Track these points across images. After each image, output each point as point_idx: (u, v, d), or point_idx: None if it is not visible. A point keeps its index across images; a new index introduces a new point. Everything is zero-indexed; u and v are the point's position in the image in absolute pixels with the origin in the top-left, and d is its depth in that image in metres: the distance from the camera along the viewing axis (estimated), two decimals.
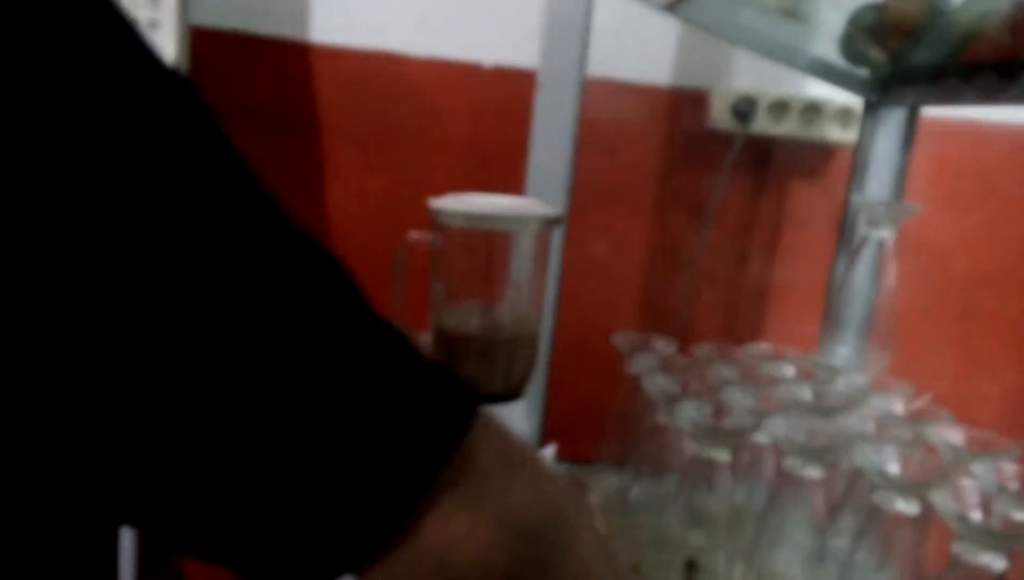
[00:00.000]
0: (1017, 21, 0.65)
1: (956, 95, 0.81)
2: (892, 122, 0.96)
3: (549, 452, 0.77)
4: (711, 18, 0.92)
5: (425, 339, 0.71)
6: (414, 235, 0.70)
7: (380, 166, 1.12)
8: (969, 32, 0.72)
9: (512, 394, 0.69)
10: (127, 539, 1.08)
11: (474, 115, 1.11)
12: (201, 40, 1.04)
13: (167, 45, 0.96)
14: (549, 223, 0.68)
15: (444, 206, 0.66)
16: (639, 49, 1.12)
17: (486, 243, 0.69)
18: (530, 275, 0.70)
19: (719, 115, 1.12)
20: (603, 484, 0.87)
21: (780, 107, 1.11)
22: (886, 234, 0.84)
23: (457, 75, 1.10)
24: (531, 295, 0.71)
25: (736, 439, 0.62)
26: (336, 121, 1.11)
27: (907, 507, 0.54)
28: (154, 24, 0.95)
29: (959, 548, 0.49)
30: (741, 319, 1.21)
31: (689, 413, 0.63)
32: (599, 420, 0.87)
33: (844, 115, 1.11)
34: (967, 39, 0.73)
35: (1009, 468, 0.55)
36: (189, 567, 1.21)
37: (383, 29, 1.09)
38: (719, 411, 0.64)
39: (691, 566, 0.64)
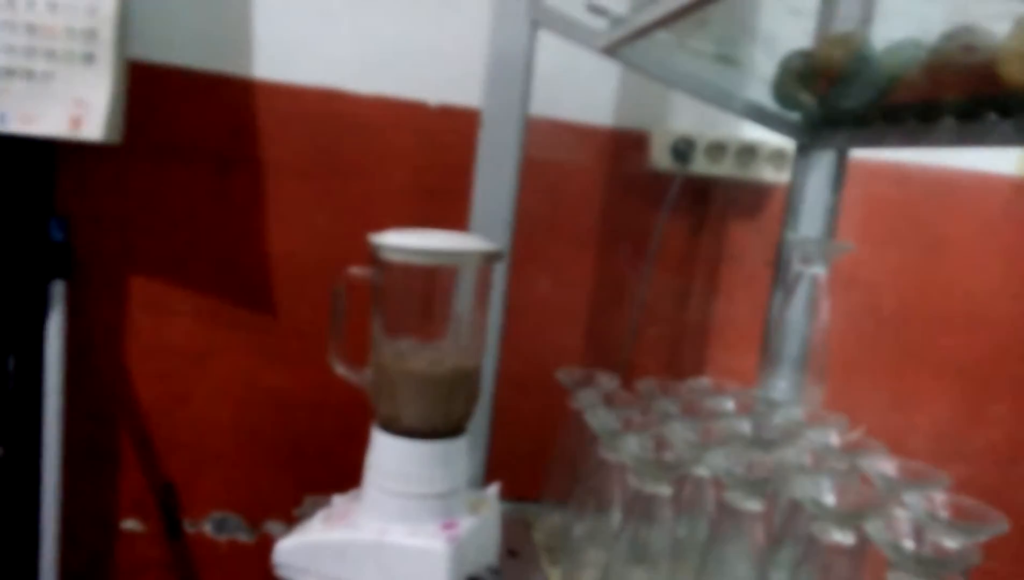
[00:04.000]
0: (933, 68, 0.69)
1: (881, 138, 0.85)
2: (822, 163, 1.00)
3: (492, 491, 0.76)
4: (649, 62, 0.94)
5: (366, 374, 0.70)
6: (354, 271, 0.69)
7: (325, 203, 1.11)
8: (891, 78, 0.76)
9: (454, 430, 0.68)
10: (48, 564, 1.02)
11: (420, 152, 1.12)
12: (141, 75, 1.03)
13: (102, 80, 0.94)
14: (490, 258, 0.68)
15: (384, 241, 0.66)
16: (581, 91, 1.14)
17: (427, 278, 0.69)
18: (472, 310, 0.70)
19: (658, 155, 1.14)
20: (547, 522, 0.86)
21: (717, 148, 1.14)
22: (819, 271, 0.86)
23: (403, 113, 1.11)
24: (473, 330, 0.71)
25: (677, 472, 0.63)
26: (280, 158, 1.10)
27: (843, 537, 0.55)
28: (89, 58, 0.94)
29: (893, 576, 0.49)
30: (683, 354, 1.22)
31: (631, 448, 0.63)
32: (543, 457, 0.87)
33: (778, 157, 1.15)
34: (889, 85, 0.76)
35: (939, 497, 0.56)
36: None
37: (328, 66, 1.09)
38: (661, 445, 0.64)
39: None
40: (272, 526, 1.16)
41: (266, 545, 1.15)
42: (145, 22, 1.04)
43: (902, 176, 1.22)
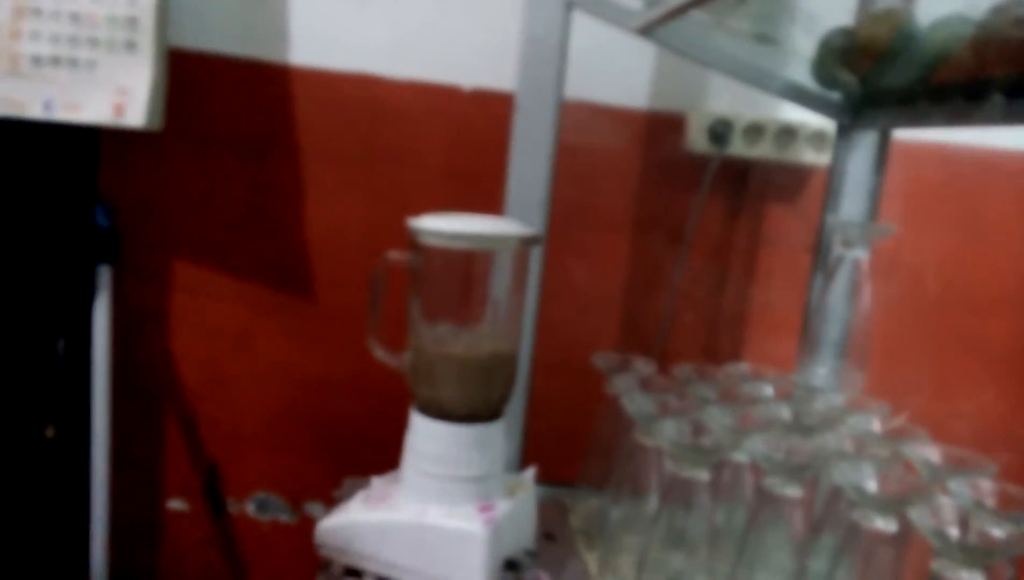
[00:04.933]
0: (981, 44, 0.67)
1: (925, 118, 0.83)
2: (864, 145, 0.98)
3: (529, 474, 0.76)
4: (685, 42, 0.93)
5: (404, 358, 0.71)
6: (393, 255, 0.70)
7: (361, 188, 1.11)
8: (936, 55, 0.73)
9: (491, 414, 0.69)
10: (99, 541, 1.05)
11: (454, 137, 1.12)
12: (180, 62, 1.04)
13: (143, 67, 0.95)
14: (527, 242, 0.68)
15: (422, 225, 0.66)
16: (616, 73, 1.13)
17: (464, 262, 0.69)
18: (509, 295, 0.70)
19: (695, 138, 1.13)
20: (584, 507, 0.86)
21: (755, 130, 1.12)
22: (860, 254, 0.85)
23: (437, 97, 1.11)
24: (510, 315, 0.71)
25: (715, 458, 0.62)
26: (317, 143, 1.11)
27: (886, 524, 0.54)
28: (131, 45, 0.95)
29: (938, 565, 0.49)
30: (720, 339, 1.21)
31: (668, 432, 0.62)
32: (579, 441, 0.87)
33: (818, 138, 1.13)
34: (935, 62, 0.74)
35: (985, 485, 0.55)
36: (163, 570, 1.19)
37: (363, 52, 1.09)
38: (698, 430, 0.64)
39: None
40: (312, 507, 1.18)
41: (307, 525, 1.18)
42: (184, 10, 1.05)
43: (947, 157, 1.18)
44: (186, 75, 1.06)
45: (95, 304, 1.04)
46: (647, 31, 0.88)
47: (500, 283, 0.70)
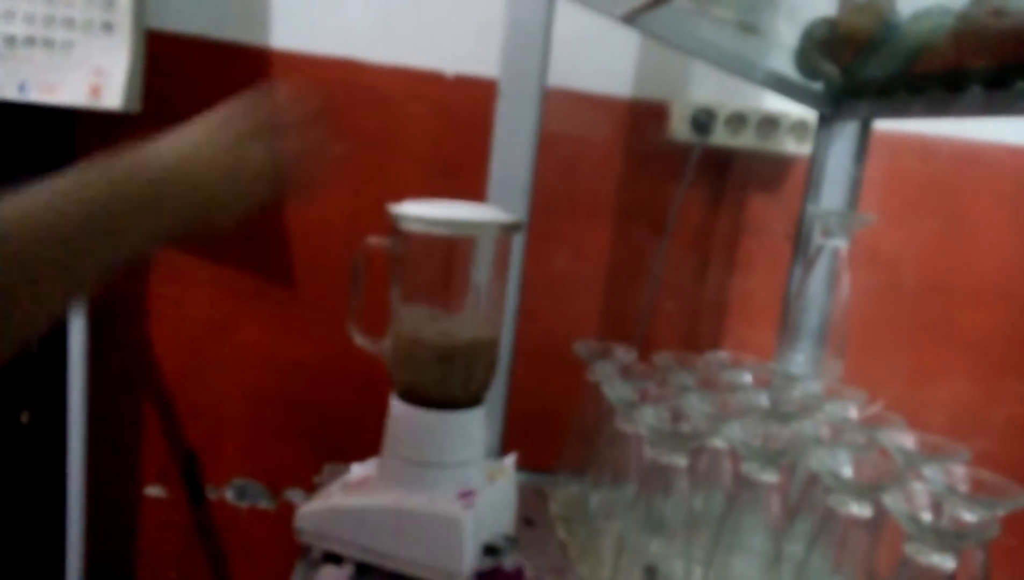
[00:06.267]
0: (961, 35, 0.68)
1: (906, 108, 0.83)
2: (845, 135, 0.98)
3: (509, 461, 0.77)
4: (669, 31, 0.93)
5: (384, 345, 0.70)
6: (373, 240, 0.69)
7: (342, 173, 1.10)
8: (917, 46, 0.74)
9: (471, 400, 0.69)
10: (75, 529, 1.04)
11: (436, 123, 1.11)
12: (159, 44, 1.03)
13: (121, 48, 0.94)
14: (508, 229, 0.68)
15: (403, 211, 0.66)
16: (600, 61, 1.13)
17: (445, 249, 0.69)
18: (490, 281, 0.70)
19: (678, 127, 1.13)
20: (563, 493, 0.86)
21: (738, 120, 1.13)
22: (840, 244, 0.85)
23: (419, 83, 1.10)
24: (491, 302, 0.71)
25: (693, 444, 0.63)
26: None
27: (860, 509, 0.55)
28: (108, 26, 0.94)
29: (911, 549, 0.49)
30: (700, 327, 1.22)
31: (648, 419, 0.63)
32: (560, 428, 0.87)
33: (800, 128, 1.13)
34: (915, 53, 0.75)
35: (958, 471, 0.56)
36: (141, 570, 1.18)
37: (345, 36, 1.08)
38: (677, 417, 0.64)
39: (650, 572, 0.64)
40: (292, 493, 1.18)
41: (286, 512, 1.18)
42: None
43: (926, 148, 1.19)
44: (164, 57, 1.04)
45: None
46: (631, 19, 0.88)
47: (481, 270, 0.70)
